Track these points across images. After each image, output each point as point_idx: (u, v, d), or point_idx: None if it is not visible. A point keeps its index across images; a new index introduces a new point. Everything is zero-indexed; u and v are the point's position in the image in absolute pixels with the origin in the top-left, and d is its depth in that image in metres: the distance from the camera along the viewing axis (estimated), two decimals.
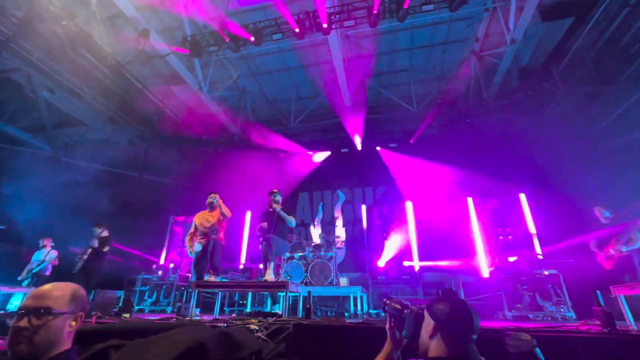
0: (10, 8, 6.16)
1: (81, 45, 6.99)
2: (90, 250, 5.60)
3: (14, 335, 1.21)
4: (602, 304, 2.73)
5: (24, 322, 1.22)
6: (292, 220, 4.64)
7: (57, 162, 9.44)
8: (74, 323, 1.32)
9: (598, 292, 2.71)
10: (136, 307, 7.15)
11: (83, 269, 5.49)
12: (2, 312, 4.68)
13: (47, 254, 6.49)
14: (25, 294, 5.53)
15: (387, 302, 1.54)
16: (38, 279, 6.28)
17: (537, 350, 1.40)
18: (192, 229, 4.69)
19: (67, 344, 1.31)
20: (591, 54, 7.44)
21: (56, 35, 6.70)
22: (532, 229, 6.89)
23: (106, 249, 5.74)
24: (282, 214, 4.54)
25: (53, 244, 6.77)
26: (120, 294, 6.82)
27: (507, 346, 1.48)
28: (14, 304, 5.87)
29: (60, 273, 6.69)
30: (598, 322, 2.48)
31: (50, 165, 9.31)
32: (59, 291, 1.33)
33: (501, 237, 6.81)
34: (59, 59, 7.07)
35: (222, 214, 4.61)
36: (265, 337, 2.44)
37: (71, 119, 9.01)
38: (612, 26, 6.75)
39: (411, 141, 9.49)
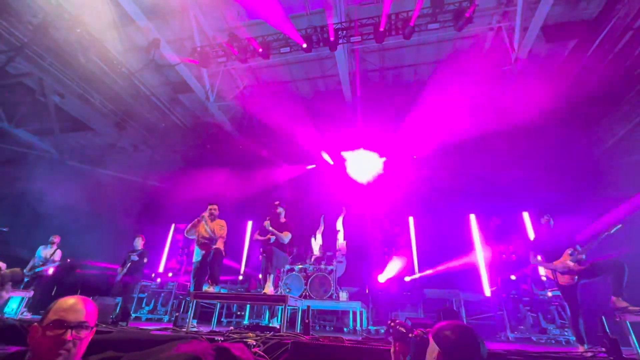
0: (26, 15, 6.34)
1: (93, 53, 7.16)
2: (130, 264, 5.89)
3: (55, 346, 1.27)
4: (608, 329, 2.67)
5: (68, 335, 1.29)
6: (285, 238, 4.63)
7: (62, 165, 9.51)
8: (90, 337, 1.41)
9: (604, 317, 2.65)
10: (133, 315, 7.07)
11: (121, 281, 5.84)
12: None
13: (53, 253, 6.34)
14: (23, 298, 5.49)
15: (392, 324, 1.51)
16: (39, 280, 6.13)
17: None
18: (196, 220, 4.68)
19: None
20: (595, 75, 7.50)
21: (69, 42, 6.86)
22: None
23: (145, 260, 6.09)
24: (274, 231, 4.57)
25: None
26: (118, 300, 6.76)
27: None
28: (12, 307, 5.80)
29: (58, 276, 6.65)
30: (603, 349, 2.42)
31: (56, 168, 9.39)
32: (91, 307, 1.42)
33: (504, 256, 6.73)
34: (70, 64, 7.23)
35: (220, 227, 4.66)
36: (262, 353, 2.40)
37: (79, 124, 9.14)
38: (616, 48, 6.82)
39: (414, 156, 9.50)
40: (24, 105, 8.45)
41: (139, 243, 6.18)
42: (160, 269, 8.69)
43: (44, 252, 6.38)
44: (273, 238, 4.58)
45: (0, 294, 1.82)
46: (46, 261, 6.27)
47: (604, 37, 6.60)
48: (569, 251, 3.69)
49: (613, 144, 7.67)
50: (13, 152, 9.09)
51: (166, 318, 7.17)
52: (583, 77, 7.58)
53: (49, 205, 8.24)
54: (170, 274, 7.95)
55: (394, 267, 7.56)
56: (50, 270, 6.37)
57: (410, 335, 1.39)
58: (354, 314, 6.29)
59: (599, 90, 7.46)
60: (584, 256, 3.58)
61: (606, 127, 7.69)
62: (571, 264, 3.60)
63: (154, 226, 9.76)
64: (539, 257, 3.99)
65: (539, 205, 4.38)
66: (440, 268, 7.81)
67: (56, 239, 6.54)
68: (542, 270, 4.08)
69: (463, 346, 1.22)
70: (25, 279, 6.10)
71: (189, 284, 8.15)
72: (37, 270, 6.17)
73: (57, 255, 6.47)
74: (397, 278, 6.99)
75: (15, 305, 5.73)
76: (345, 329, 6.37)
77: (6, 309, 5.61)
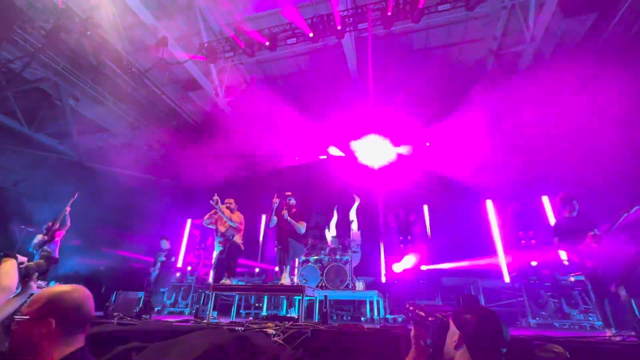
0: (38, 20, 6.48)
1: (104, 54, 7.27)
2: (160, 264, 6.60)
3: None
4: (638, 313, 2.58)
5: (13, 325, 1.24)
6: (301, 227, 4.63)
7: (81, 167, 9.81)
8: (43, 330, 1.20)
9: (632, 300, 2.56)
10: (156, 309, 7.30)
11: (157, 278, 6.52)
12: None
13: (46, 236, 5.80)
14: None
15: (411, 308, 1.49)
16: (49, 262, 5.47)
17: None
18: (213, 211, 4.77)
19: (54, 352, 1.22)
20: (618, 51, 7.11)
21: (81, 45, 7.00)
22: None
23: (173, 259, 6.87)
24: (292, 221, 4.56)
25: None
26: (141, 295, 6.97)
27: (537, 358, 1.40)
28: None
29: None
30: (633, 333, 2.34)
31: (75, 169, 9.70)
32: (39, 295, 1.29)
33: (523, 241, 6.57)
34: (83, 67, 7.39)
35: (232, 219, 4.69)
36: (282, 342, 2.43)
37: (95, 125, 9.37)
38: None
39: (427, 143, 9.33)
40: (41, 110, 8.72)
41: (166, 244, 6.69)
42: (179, 264, 8.91)
43: (38, 237, 5.92)
44: (286, 214, 4.59)
45: (29, 284, 1.81)
46: (42, 244, 5.78)
47: (627, 8, 6.23)
48: (591, 234, 3.60)
49: (636, 124, 7.30)
50: (34, 156, 9.42)
51: (187, 311, 7.37)
52: (604, 53, 7.21)
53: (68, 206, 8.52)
54: (189, 268, 8.16)
55: (409, 255, 7.50)
56: (57, 252, 5.89)
57: (430, 318, 1.37)
58: (371, 303, 6.31)
59: (621, 66, 7.09)
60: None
61: (627, 108, 7.31)
62: (595, 245, 3.52)
63: (171, 222, 9.98)
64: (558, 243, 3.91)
65: (559, 189, 4.24)
66: (456, 255, 7.70)
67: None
68: (564, 255, 3.99)
69: (485, 330, 1.19)
70: (36, 256, 5.60)
71: (207, 277, 8.35)
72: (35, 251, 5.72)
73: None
74: (413, 266, 6.94)
75: None
76: (362, 319, 6.40)
77: None
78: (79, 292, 1.34)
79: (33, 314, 1.23)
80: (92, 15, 6.60)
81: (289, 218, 4.58)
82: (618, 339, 2.36)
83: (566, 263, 5.77)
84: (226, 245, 4.54)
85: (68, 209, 6.07)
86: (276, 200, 4.65)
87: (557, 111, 7.26)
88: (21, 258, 1.71)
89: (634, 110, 6.43)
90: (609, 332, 3.29)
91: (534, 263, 5.96)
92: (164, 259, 6.56)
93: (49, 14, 6.46)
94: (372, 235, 8.64)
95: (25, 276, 1.74)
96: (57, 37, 6.53)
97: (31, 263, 1.80)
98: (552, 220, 6.77)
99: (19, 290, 1.72)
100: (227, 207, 4.73)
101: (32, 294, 1.57)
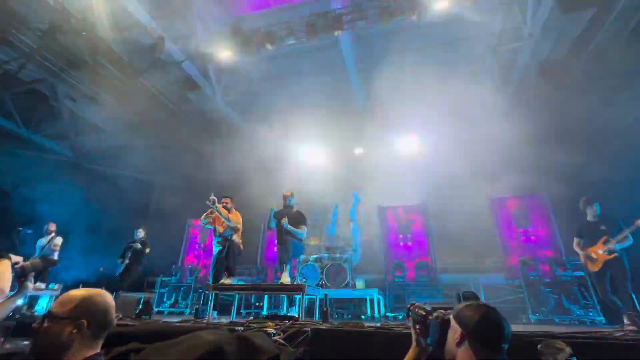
0: (34, 22, 6.44)
1: (100, 55, 7.23)
2: (130, 253, 5.98)
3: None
4: (639, 308, 2.58)
5: (37, 324, 1.24)
6: (302, 233, 4.59)
7: (79, 168, 9.78)
8: (75, 330, 1.22)
9: (633, 295, 2.56)
10: (155, 309, 7.28)
11: (124, 270, 5.90)
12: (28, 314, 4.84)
13: (49, 240, 5.94)
14: (51, 296, 5.71)
15: (411, 307, 1.48)
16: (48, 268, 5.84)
17: None
18: (209, 210, 4.66)
19: (78, 353, 1.22)
20: (616, 45, 7.11)
21: (77, 46, 6.96)
22: (555, 228, 6.62)
23: (147, 250, 6.21)
24: (292, 230, 4.51)
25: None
26: (140, 295, 6.95)
27: (540, 354, 1.39)
28: (42, 305, 6.03)
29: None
30: (635, 328, 2.34)
31: (74, 171, 9.67)
32: (70, 296, 1.30)
33: (523, 237, 6.57)
34: (79, 68, 7.34)
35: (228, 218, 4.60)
36: (282, 341, 2.42)
37: (92, 126, 9.34)
38: (638, 15, 6.42)
39: (425, 139, 9.32)
40: (38, 111, 8.68)
41: (140, 234, 6.29)
42: (179, 264, 8.89)
43: (41, 242, 6.05)
44: (286, 223, 4.53)
45: (25, 284, 1.79)
46: (43, 249, 5.88)
47: (625, 3, 6.22)
48: (603, 239, 3.64)
49: (636, 118, 7.31)
50: (32, 158, 9.38)
51: (187, 311, 7.36)
52: (601, 51, 7.20)
53: (66, 207, 8.51)
54: (189, 266, 8.16)
55: (409, 253, 7.49)
56: (56, 255, 6.01)
57: (430, 317, 1.36)
58: (371, 301, 6.31)
59: (617, 64, 7.09)
60: (616, 246, 3.52)
61: (628, 100, 7.32)
62: (601, 252, 3.56)
63: (169, 222, 9.96)
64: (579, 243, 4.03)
65: (559, 184, 4.30)
66: (456, 252, 7.72)
67: (52, 226, 6.21)
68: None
69: (487, 326, 1.18)
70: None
71: (207, 277, 8.34)
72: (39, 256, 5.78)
73: (59, 240, 6.08)
74: (413, 264, 6.94)
75: (45, 303, 5.97)
76: (363, 317, 6.40)
77: (36, 307, 5.85)
78: (106, 296, 1.36)
79: (66, 314, 1.24)
80: (88, 16, 6.56)
81: (289, 227, 4.52)
82: (619, 333, 2.36)
83: (563, 258, 5.79)
84: (225, 245, 4.51)
85: (57, 248, 6.00)
86: (273, 206, 4.61)
87: None
88: (15, 258, 1.70)
89: None
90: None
91: (533, 261, 5.96)
92: (139, 246, 5.99)
93: (44, 14, 6.41)
94: (371, 233, 8.63)
95: (20, 276, 1.72)
96: (53, 37, 6.49)
97: (26, 263, 1.78)
98: (552, 217, 6.79)
99: (14, 292, 1.70)
100: (224, 207, 4.67)
101: (56, 295, 1.59)
